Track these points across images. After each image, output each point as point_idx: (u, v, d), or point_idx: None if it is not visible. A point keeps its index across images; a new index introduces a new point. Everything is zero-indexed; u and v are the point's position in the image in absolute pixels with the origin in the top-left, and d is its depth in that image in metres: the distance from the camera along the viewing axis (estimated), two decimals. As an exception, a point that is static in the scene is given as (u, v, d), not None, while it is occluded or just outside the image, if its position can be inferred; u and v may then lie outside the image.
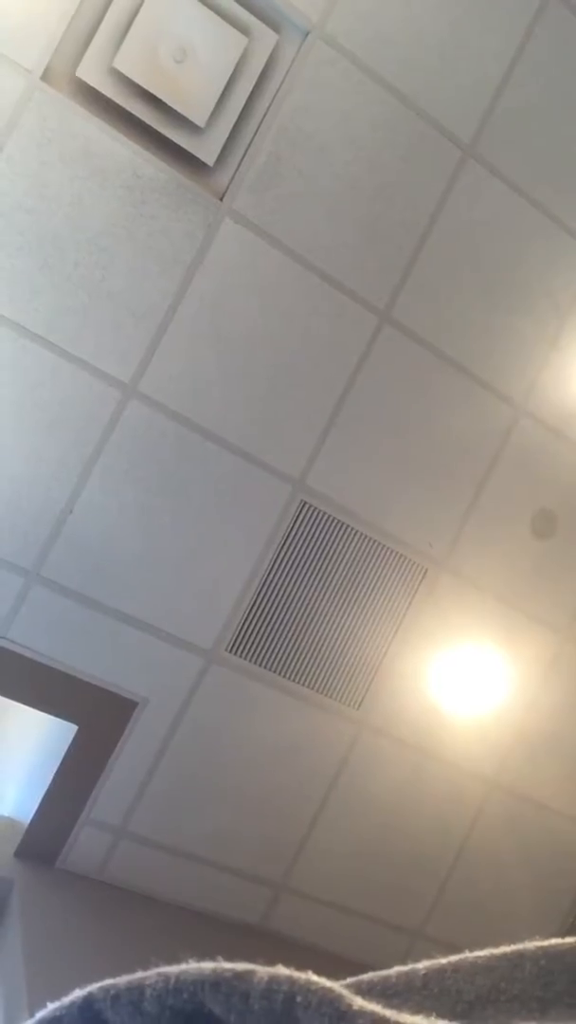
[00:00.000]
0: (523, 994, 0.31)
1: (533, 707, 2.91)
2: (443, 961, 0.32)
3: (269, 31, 2.31)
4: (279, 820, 2.67)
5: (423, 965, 0.32)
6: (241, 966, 0.28)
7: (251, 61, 2.31)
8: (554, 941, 0.32)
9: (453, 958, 0.32)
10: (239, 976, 0.28)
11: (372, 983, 0.32)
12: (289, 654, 2.58)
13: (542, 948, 0.32)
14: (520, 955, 0.32)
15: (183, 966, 0.29)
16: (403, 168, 2.49)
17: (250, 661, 2.54)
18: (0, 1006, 2.00)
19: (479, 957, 0.32)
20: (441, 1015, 0.30)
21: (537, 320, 2.70)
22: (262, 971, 0.28)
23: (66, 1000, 0.30)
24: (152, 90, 2.22)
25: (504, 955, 0.32)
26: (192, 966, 0.29)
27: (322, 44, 2.35)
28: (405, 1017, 0.26)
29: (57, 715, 2.43)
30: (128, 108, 2.23)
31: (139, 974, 0.29)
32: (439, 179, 2.53)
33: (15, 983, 1.96)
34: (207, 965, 0.28)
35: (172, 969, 0.29)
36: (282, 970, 0.28)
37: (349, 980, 0.32)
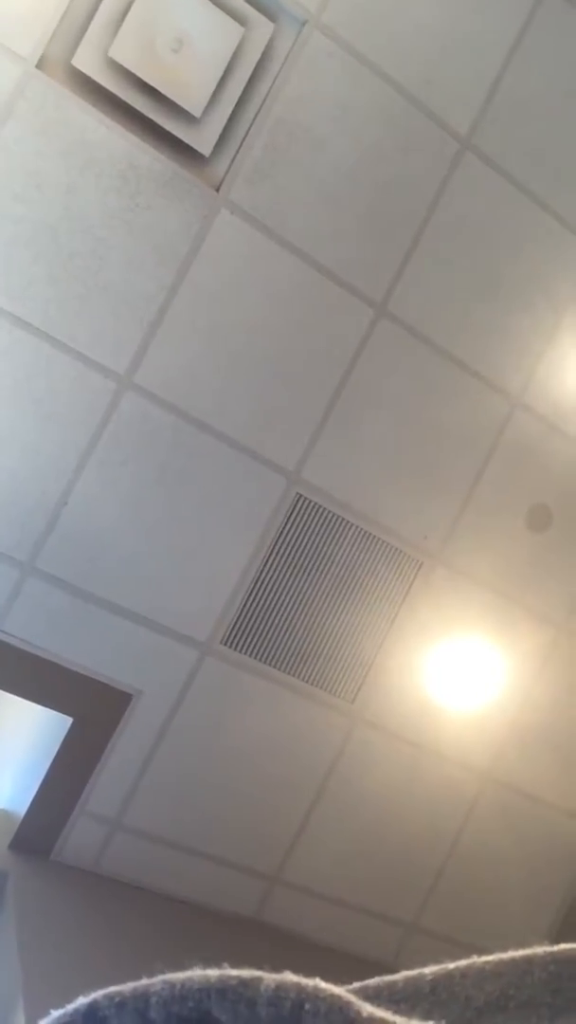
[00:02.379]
0: (532, 1000, 0.30)
1: (528, 700, 2.91)
2: (451, 966, 0.32)
3: (265, 21, 2.30)
4: (273, 813, 2.67)
5: (430, 970, 0.32)
6: (248, 973, 0.28)
7: (247, 51, 2.30)
8: (564, 946, 0.32)
9: (461, 963, 0.32)
10: (246, 983, 0.27)
11: (379, 988, 0.32)
12: (284, 647, 2.58)
13: (551, 954, 0.32)
14: (529, 961, 0.32)
15: (188, 972, 0.28)
16: (400, 160, 2.48)
17: (245, 654, 2.54)
18: (-5, 998, 2.00)
19: (487, 962, 0.32)
20: (450, 1022, 0.30)
21: (533, 314, 2.70)
22: (269, 978, 0.28)
23: (70, 1007, 0.29)
24: (148, 80, 2.20)
25: (513, 960, 0.32)
26: (198, 973, 0.28)
27: (318, 34, 2.34)
28: None
29: (52, 707, 2.43)
30: (124, 98, 2.21)
31: (144, 981, 0.29)
32: (436, 171, 2.52)
33: (10, 975, 1.96)
34: (213, 972, 0.28)
35: (177, 976, 0.28)
36: (289, 976, 0.28)
37: (355, 985, 0.32)
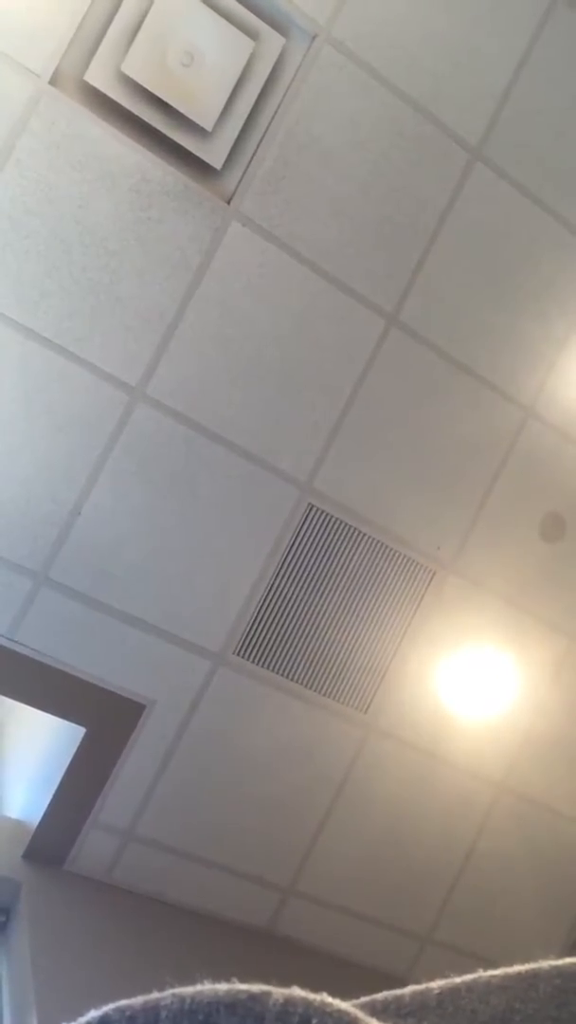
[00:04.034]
0: (537, 1014, 0.31)
1: (541, 711, 2.90)
2: (457, 980, 0.32)
3: (276, 35, 2.32)
4: (287, 823, 2.67)
5: (436, 985, 0.32)
6: (256, 987, 0.28)
7: (258, 65, 2.32)
8: (569, 960, 0.32)
9: (467, 977, 0.32)
10: (254, 998, 0.28)
11: (386, 1003, 0.32)
12: (297, 657, 2.58)
13: (557, 968, 0.32)
14: (535, 975, 0.32)
15: (198, 987, 0.29)
16: (411, 171, 2.49)
17: (258, 664, 2.54)
18: (7, 1008, 2.00)
19: (493, 976, 0.32)
20: None
21: (545, 323, 2.70)
22: (277, 993, 0.28)
23: (81, 1021, 0.30)
24: (160, 94, 2.22)
25: (518, 975, 0.32)
26: (207, 987, 0.29)
27: (329, 47, 2.35)
28: None
29: (65, 717, 2.43)
30: (136, 112, 2.23)
31: (154, 995, 0.29)
32: (447, 182, 2.53)
33: (22, 985, 1.96)
34: (222, 986, 0.28)
35: (187, 990, 0.29)
36: (297, 992, 0.28)
37: (363, 999, 0.32)
